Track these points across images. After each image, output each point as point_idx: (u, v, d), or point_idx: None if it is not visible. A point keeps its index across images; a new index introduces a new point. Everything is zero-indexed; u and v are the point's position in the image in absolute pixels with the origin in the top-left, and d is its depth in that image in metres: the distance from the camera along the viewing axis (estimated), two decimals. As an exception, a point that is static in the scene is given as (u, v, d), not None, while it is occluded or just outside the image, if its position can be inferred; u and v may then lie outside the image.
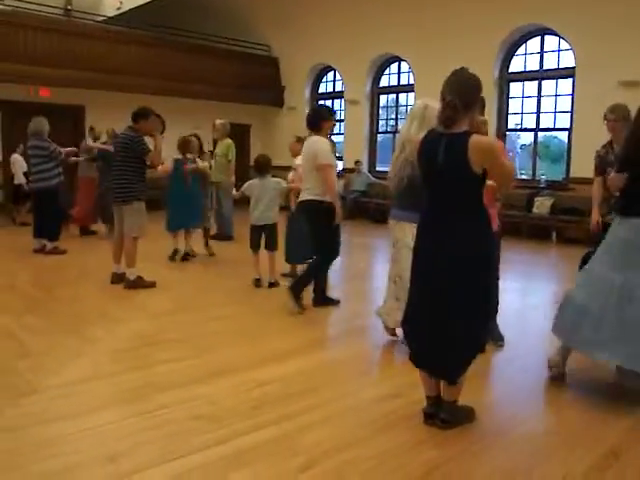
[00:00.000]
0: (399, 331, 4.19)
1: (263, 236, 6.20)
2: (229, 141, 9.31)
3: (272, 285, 6.21)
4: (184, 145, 7.78)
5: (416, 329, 3.12)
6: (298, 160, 6.16)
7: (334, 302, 5.57)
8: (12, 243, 8.86)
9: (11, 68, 11.12)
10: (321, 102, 15.34)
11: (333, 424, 3.10)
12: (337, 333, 4.84)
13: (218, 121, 9.28)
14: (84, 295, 5.74)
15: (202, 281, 6.62)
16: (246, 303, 5.61)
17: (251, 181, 6.21)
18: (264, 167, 6.22)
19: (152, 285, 6.04)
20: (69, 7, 14.43)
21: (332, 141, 6.62)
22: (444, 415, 3.09)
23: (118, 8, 15.25)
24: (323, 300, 5.51)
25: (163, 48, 13.56)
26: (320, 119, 5.30)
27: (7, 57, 11.13)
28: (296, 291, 5.19)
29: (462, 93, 2.93)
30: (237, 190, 6.50)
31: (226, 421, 3.06)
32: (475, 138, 2.88)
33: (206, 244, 8.14)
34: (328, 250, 5.29)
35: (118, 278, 6.13)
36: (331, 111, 5.54)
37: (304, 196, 5.28)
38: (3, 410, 3.11)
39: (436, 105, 4.34)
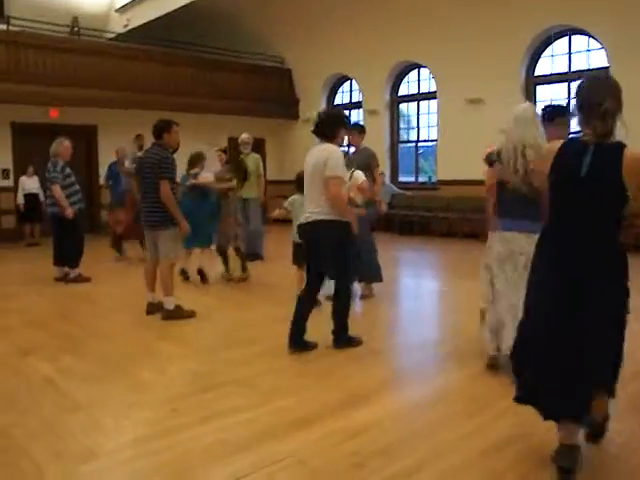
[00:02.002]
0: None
1: None
2: (257, 156, 8.89)
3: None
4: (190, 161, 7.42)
5: (542, 368, 2.64)
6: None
7: (356, 342, 4.62)
8: (29, 270, 8.38)
9: (21, 89, 10.70)
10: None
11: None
12: (411, 366, 4.32)
13: (245, 135, 8.83)
14: (121, 329, 5.26)
15: (242, 307, 6.11)
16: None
17: (294, 197, 5.77)
18: None
19: (192, 315, 5.55)
20: (76, 27, 14.04)
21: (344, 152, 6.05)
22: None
23: (125, 25, 14.88)
24: (347, 339, 4.59)
25: (174, 63, 13.17)
26: (336, 126, 4.40)
27: (16, 78, 10.72)
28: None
29: (619, 101, 2.56)
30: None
31: (328, 488, 2.58)
32: (632, 152, 2.48)
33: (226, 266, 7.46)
34: (352, 273, 4.68)
35: (154, 308, 5.64)
36: (347, 117, 4.74)
37: (314, 216, 4.32)
38: (62, 485, 2.62)
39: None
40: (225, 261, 7.40)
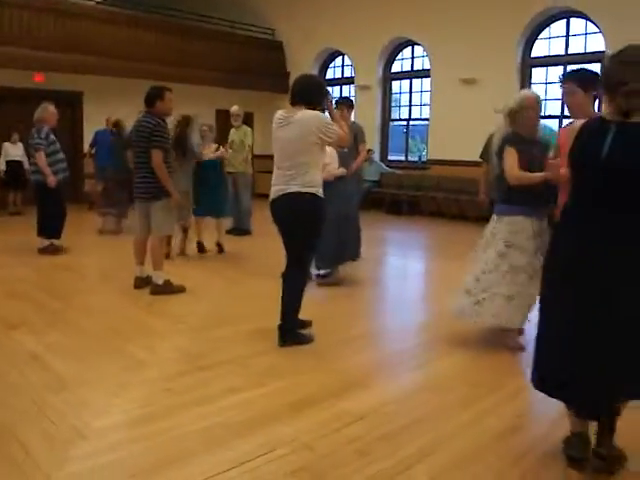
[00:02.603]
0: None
1: None
2: (247, 128, 8.71)
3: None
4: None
5: (571, 356, 2.45)
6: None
7: (306, 340, 4.16)
8: (12, 240, 8.13)
9: (2, 51, 10.30)
10: (329, 88, 14.68)
11: (465, 476, 2.52)
12: (404, 350, 4.20)
13: (236, 107, 8.64)
14: (108, 304, 5.08)
15: (231, 283, 5.96)
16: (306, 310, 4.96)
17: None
18: None
19: (182, 290, 5.40)
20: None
21: None
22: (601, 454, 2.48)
23: (113, -11, 14.38)
24: (295, 336, 4.13)
25: (163, 31, 12.77)
26: (323, 92, 4.04)
27: (-2, 39, 10.33)
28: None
29: None
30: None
31: (331, 475, 2.47)
32: None
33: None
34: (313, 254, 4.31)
35: (142, 282, 5.48)
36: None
37: (295, 188, 3.88)
38: (51, 471, 2.46)
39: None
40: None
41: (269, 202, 4.06)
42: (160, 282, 5.34)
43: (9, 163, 10.49)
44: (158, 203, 5.23)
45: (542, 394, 2.62)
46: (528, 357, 3.77)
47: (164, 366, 3.66)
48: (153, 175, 5.15)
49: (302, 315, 4.20)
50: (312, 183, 3.94)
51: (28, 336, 4.16)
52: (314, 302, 5.22)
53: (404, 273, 7.45)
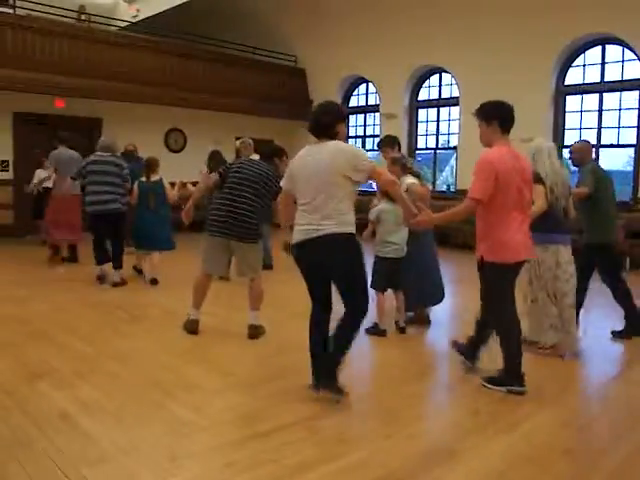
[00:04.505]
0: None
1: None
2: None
3: (403, 331, 5.26)
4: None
5: None
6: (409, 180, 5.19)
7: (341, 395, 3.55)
8: (30, 272, 7.68)
9: (23, 77, 9.98)
10: (352, 116, 14.35)
11: None
12: (489, 402, 3.67)
13: (243, 140, 8.08)
14: (143, 350, 4.55)
15: (274, 326, 5.29)
16: (363, 360, 4.48)
17: (383, 206, 5.17)
18: None
19: (264, 331, 5.13)
20: (83, 15, 13.39)
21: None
22: None
23: (135, 16, 14.20)
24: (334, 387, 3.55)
25: (184, 57, 12.46)
26: (336, 119, 3.61)
27: (19, 64, 9.99)
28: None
29: None
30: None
31: None
32: None
33: None
34: (365, 299, 3.64)
35: (193, 326, 5.04)
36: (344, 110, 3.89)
37: (331, 228, 3.46)
38: None
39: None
40: None
41: (299, 242, 3.58)
42: (259, 323, 5.11)
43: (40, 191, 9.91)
44: (257, 245, 5.10)
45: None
46: (622, 418, 3.28)
47: (218, 431, 3.13)
48: (257, 219, 5.00)
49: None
50: (346, 218, 3.53)
51: (55, 389, 3.66)
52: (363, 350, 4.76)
53: (451, 312, 6.91)
